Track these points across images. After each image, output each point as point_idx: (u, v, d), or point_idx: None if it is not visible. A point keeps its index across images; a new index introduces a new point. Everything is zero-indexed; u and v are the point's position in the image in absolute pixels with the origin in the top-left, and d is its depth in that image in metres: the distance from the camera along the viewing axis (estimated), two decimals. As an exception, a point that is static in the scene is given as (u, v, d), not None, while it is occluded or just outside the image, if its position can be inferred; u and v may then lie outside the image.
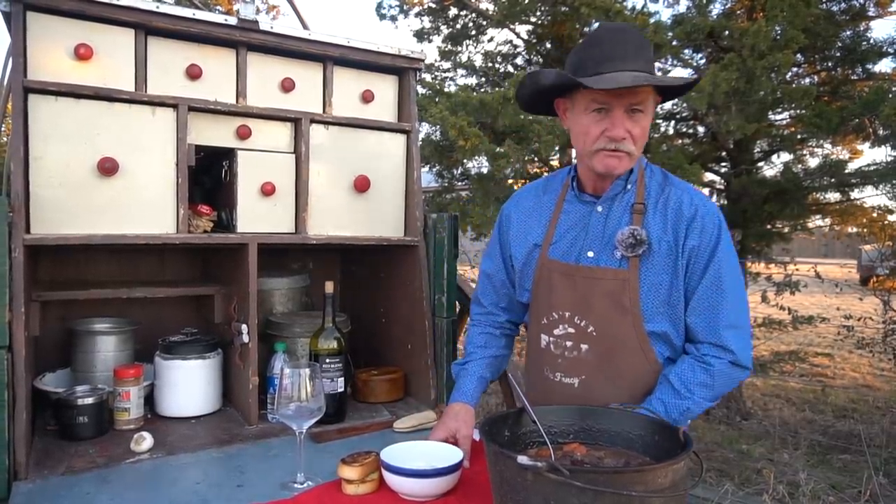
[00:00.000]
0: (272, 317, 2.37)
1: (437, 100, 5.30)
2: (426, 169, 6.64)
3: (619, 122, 1.55)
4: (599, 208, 1.70)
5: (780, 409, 6.23)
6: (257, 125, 2.11)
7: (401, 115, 2.40)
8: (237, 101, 2.09)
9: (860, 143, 6.45)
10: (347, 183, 2.25)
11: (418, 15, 7.59)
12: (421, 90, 5.67)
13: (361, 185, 2.25)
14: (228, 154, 2.11)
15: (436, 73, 7.10)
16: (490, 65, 7.04)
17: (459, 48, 7.18)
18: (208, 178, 2.29)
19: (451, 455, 1.57)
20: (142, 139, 1.90)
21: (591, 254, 1.68)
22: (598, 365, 1.65)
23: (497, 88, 6.07)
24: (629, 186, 1.67)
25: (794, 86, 4.74)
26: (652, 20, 5.16)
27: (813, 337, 9.36)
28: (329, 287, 2.05)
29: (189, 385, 2.08)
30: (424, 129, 6.38)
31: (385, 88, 2.37)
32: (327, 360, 2.02)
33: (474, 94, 5.27)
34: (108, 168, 1.83)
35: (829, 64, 5.87)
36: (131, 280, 2.46)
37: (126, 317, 2.31)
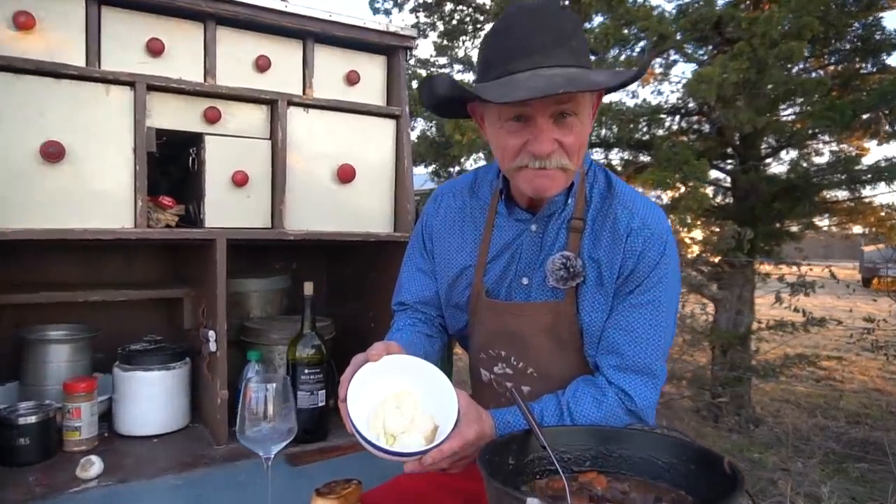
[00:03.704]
0: (248, 322, 2.14)
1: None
2: (421, 168, 6.42)
3: (543, 134, 1.22)
4: (533, 227, 1.42)
5: (790, 414, 6.00)
6: (228, 107, 1.88)
7: (389, 98, 2.17)
8: (205, 81, 1.86)
9: (867, 141, 6.26)
10: (330, 172, 2.02)
11: (413, 10, 7.35)
12: (416, 84, 5.45)
13: (345, 174, 2.02)
14: (195, 140, 1.88)
15: (431, 70, 6.86)
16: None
17: (456, 43, 6.95)
18: (175, 168, 2.06)
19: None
20: (93, 121, 1.67)
21: (525, 281, 1.42)
22: None
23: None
24: (569, 201, 1.39)
25: (804, 77, 4.52)
26: (655, 12, 4.95)
27: (819, 339, 9.15)
28: (308, 288, 1.82)
29: (151, 399, 1.85)
30: (419, 125, 6.16)
31: (372, 69, 2.14)
32: (306, 371, 1.79)
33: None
34: (52, 153, 1.59)
35: (838, 57, 5.66)
36: (94, 282, 2.23)
37: (88, 323, 2.07)
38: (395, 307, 1.68)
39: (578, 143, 1.26)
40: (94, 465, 1.54)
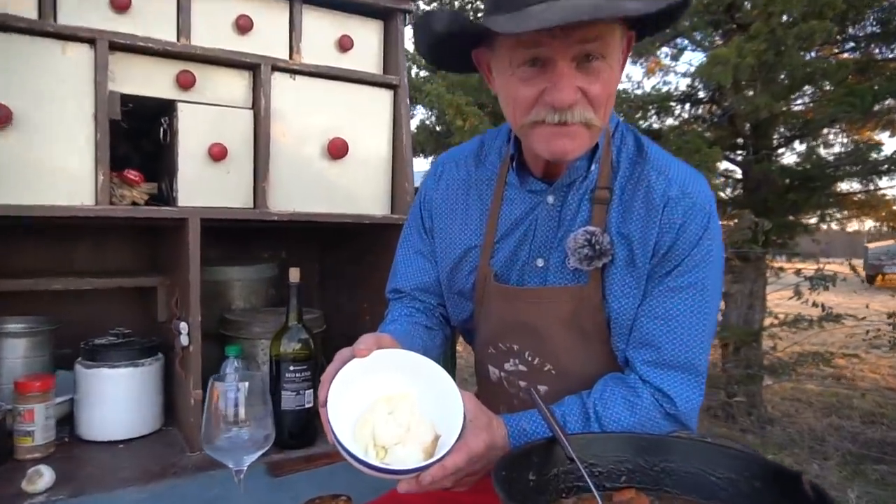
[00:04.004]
0: (229, 314, 1.92)
1: (431, 81, 4.87)
2: (420, 159, 6.21)
3: (564, 80, 0.99)
4: (550, 199, 1.20)
5: (803, 414, 5.80)
6: (204, 72, 1.67)
7: (386, 66, 1.95)
8: (178, 41, 1.65)
9: (880, 132, 6.07)
10: (319, 147, 1.81)
11: (413, -2, 7.15)
12: (415, 70, 5.24)
13: (337, 149, 1.81)
14: (167, 108, 1.67)
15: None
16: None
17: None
18: (148, 142, 1.85)
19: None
20: (47, 83, 1.47)
21: (540, 262, 1.20)
22: None
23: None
24: (592, 167, 1.17)
25: (825, 61, 4.31)
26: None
27: (825, 337, 8.96)
28: (294, 275, 1.61)
29: (117, 400, 1.64)
30: (418, 113, 5.95)
31: (367, 34, 1.93)
32: (292, 368, 1.59)
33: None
34: (-3, 117, 1.39)
35: (854, 44, 5.46)
36: (61, 270, 2.01)
37: (53, 316, 1.86)
38: (389, 295, 1.46)
39: (606, 93, 1.04)
40: (43, 477, 1.33)
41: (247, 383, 1.09)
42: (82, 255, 2.07)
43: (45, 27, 1.45)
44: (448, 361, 1.33)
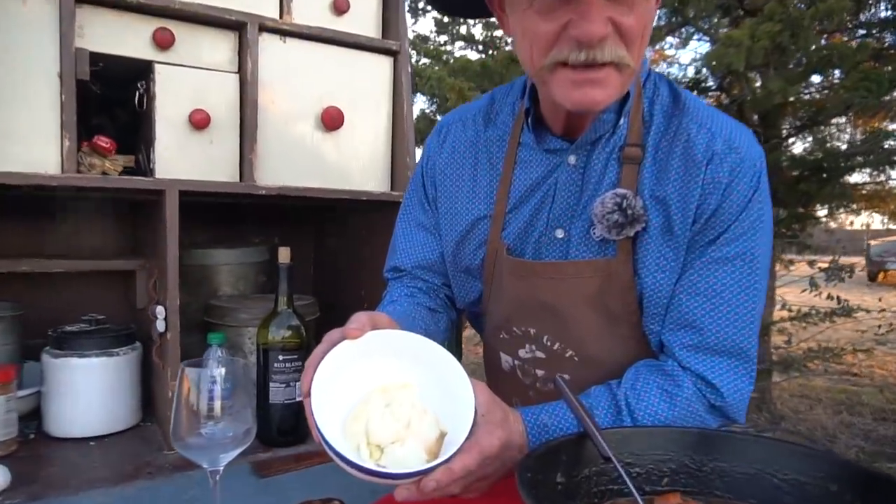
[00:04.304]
0: (214, 300, 1.77)
1: (434, 67, 4.71)
2: (421, 151, 6.04)
3: (593, 10, 0.83)
4: (572, 158, 1.04)
5: (813, 411, 5.65)
6: (184, 30, 1.52)
7: (386, 30, 1.80)
8: (154, -5, 1.49)
9: (889, 124, 5.93)
10: (313, 116, 1.66)
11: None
12: (415, 57, 5.09)
13: (332, 119, 1.65)
14: (144, 71, 1.51)
15: (432, 44, 6.48)
16: (491, 35, 6.41)
17: (457, 19, 6.57)
18: (124, 112, 1.70)
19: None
20: (5, 37, 1.31)
21: (560, 234, 1.04)
22: None
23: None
24: (621, 121, 1.02)
25: (842, 44, 4.15)
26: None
27: (830, 334, 8.82)
28: (284, 255, 1.45)
29: (89, 392, 1.48)
30: (418, 102, 5.79)
31: (365, -5, 1.78)
32: (280, 357, 1.43)
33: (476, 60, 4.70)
34: (-54, 73, 1.23)
35: (866, 31, 5.31)
36: (35, 253, 1.85)
37: (25, 303, 1.70)
38: (387, 275, 1.30)
39: (641, 25, 0.87)
40: (-4, 478, 1.18)
41: (223, 369, 0.93)
42: (59, 237, 1.91)
43: (3, -26, 1.30)
44: (453, 349, 1.17)
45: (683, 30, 5.82)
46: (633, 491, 0.75)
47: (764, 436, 0.82)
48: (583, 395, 0.99)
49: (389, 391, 0.84)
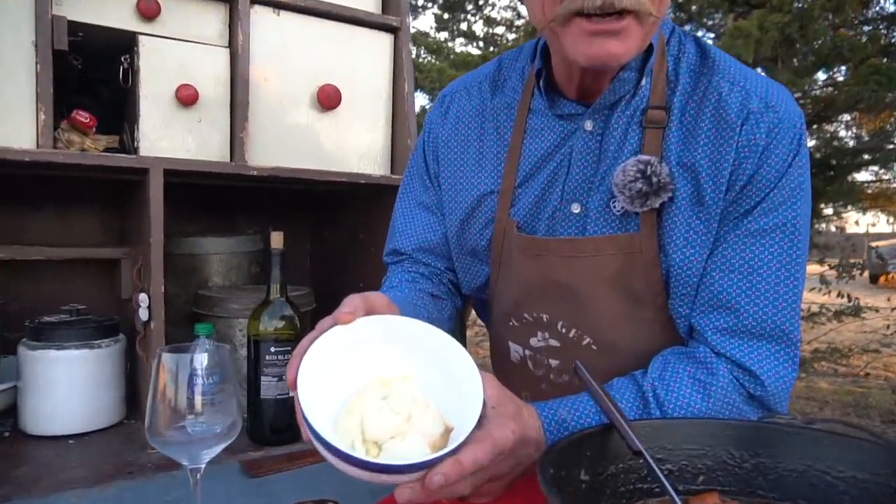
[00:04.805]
0: (204, 290, 1.67)
1: (435, 61, 4.63)
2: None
3: None
4: (588, 124, 0.95)
5: (821, 413, 5.56)
6: (170, 1, 1.42)
7: (385, 5, 1.71)
8: (139, -38, 1.40)
9: (892, 124, 5.87)
10: (308, 95, 1.57)
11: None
12: (415, 52, 5.01)
13: (328, 98, 1.56)
14: (128, 44, 1.42)
15: (432, 40, 6.41)
16: (491, 32, 6.34)
17: (457, 15, 6.50)
18: (108, 90, 1.60)
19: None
20: (-25, 2, 1.22)
21: (576, 208, 0.95)
22: None
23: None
24: (643, 82, 0.93)
25: (851, 37, 4.08)
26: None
27: (834, 335, 8.75)
28: (276, 240, 1.35)
29: (69, 387, 1.38)
30: (418, 99, 5.71)
31: (364, -32, 1.68)
32: (273, 349, 1.33)
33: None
34: None
35: (872, 27, 5.25)
36: (13, 240, 1.76)
37: (3, 293, 1.61)
38: (386, 259, 1.21)
39: None
40: (-39, 478, 1.08)
41: (205, 355, 0.84)
42: (41, 225, 1.81)
43: (-27, -65, 1.21)
44: (458, 339, 1.07)
45: (688, 26, 5.75)
46: (669, 489, 0.66)
47: (813, 427, 0.73)
48: (607, 385, 0.90)
49: (387, 383, 0.74)
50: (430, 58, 5.15)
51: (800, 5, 3.61)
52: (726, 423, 0.77)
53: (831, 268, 4.23)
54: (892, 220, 6.70)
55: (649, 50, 0.91)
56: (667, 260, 0.91)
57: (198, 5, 1.46)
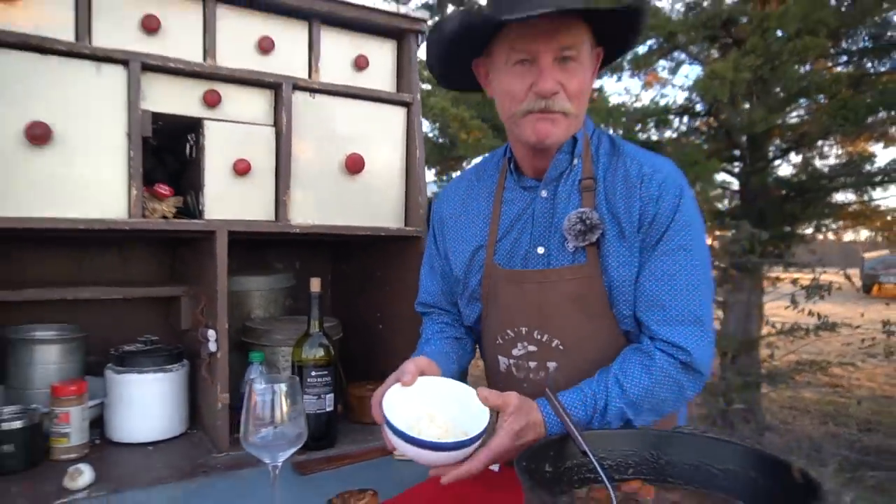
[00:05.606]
0: (249, 322, 2.01)
1: (436, 94, 4.96)
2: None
3: (547, 73, 1.24)
4: (543, 192, 1.38)
5: (801, 422, 5.88)
6: (229, 91, 1.76)
7: (400, 84, 2.05)
8: (204, 61, 1.74)
9: (873, 144, 6.16)
10: (337, 162, 1.90)
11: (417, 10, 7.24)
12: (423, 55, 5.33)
13: (354, 164, 1.89)
14: (194, 125, 1.75)
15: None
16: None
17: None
18: (172, 157, 1.94)
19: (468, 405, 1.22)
20: (83, 101, 1.55)
21: (541, 250, 1.37)
22: (571, 385, 1.30)
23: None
24: (575, 161, 1.36)
25: (818, 75, 4.41)
26: (664, 9, 4.87)
27: (822, 346, 9.03)
28: (315, 285, 1.69)
29: (146, 404, 1.71)
30: (423, 127, 6.04)
31: (382, 54, 2.03)
32: (313, 373, 1.67)
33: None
34: (38, 135, 1.47)
35: (847, 58, 5.56)
36: (88, 280, 2.10)
37: (79, 324, 1.94)
38: (417, 308, 1.67)
39: (580, 87, 1.27)
40: (83, 475, 1.41)
41: (283, 385, 1.18)
42: (104, 265, 2.15)
43: (81, 49, 1.54)
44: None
45: (675, 54, 6.07)
46: (605, 479, 0.99)
47: (706, 435, 1.07)
48: (585, 383, 1.28)
49: (433, 417, 1.20)
50: (430, 87, 5.44)
51: (770, 49, 3.94)
52: (646, 432, 1.11)
53: (802, 288, 4.54)
54: (873, 235, 6.96)
55: (575, 143, 1.35)
56: (608, 278, 1.31)
57: (249, 94, 1.79)
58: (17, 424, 1.49)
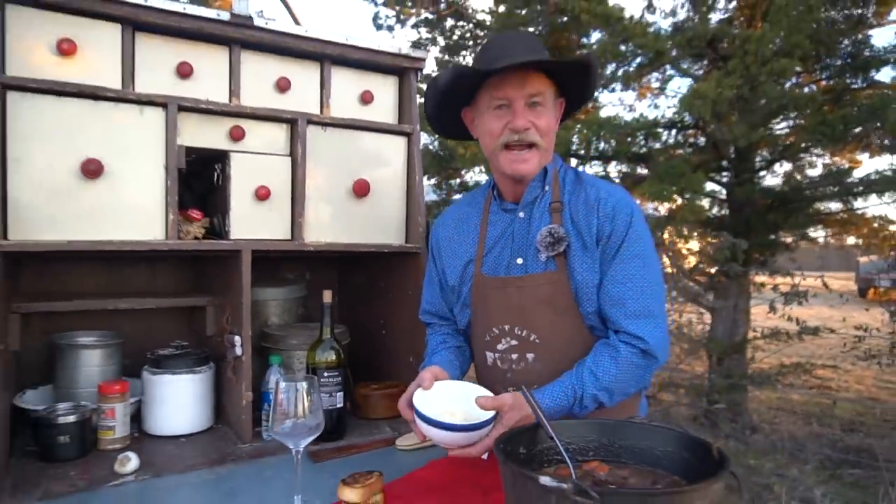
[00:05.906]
0: (267, 329, 2.25)
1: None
2: (424, 181, 6.53)
3: (520, 113, 1.57)
4: (521, 214, 1.69)
5: (786, 422, 6.10)
6: (251, 126, 2.01)
7: (401, 116, 2.30)
8: (230, 101, 1.98)
9: (860, 153, 6.37)
10: (346, 187, 2.14)
11: (415, 26, 7.51)
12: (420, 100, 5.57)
13: (361, 189, 2.14)
14: (221, 157, 2.00)
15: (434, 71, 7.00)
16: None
17: (456, 58, 7.09)
18: (199, 182, 2.18)
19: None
20: (128, 140, 1.80)
21: (520, 261, 1.67)
22: (546, 372, 1.62)
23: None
24: (546, 188, 1.68)
25: (796, 93, 4.65)
26: (651, 29, 5.10)
27: (814, 349, 9.26)
28: (327, 296, 1.93)
29: (178, 401, 1.96)
30: (422, 139, 6.28)
31: (385, 89, 2.27)
32: (325, 374, 1.91)
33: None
34: (92, 170, 1.71)
35: (829, 73, 5.79)
36: (120, 291, 2.34)
37: (115, 330, 2.19)
38: (421, 318, 1.95)
39: (547, 126, 1.60)
40: (130, 461, 1.65)
41: (304, 383, 1.42)
42: (136, 278, 2.40)
43: (128, 95, 1.79)
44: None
45: (665, 67, 6.31)
46: (567, 459, 1.23)
47: (652, 424, 1.31)
48: (566, 375, 1.56)
49: (452, 412, 1.51)
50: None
51: (750, 71, 4.18)
52: (604, 422, 1.35)
53: (782, 294, 4.77)
54: (860, 242, 7.17)
55: (546, 174, 1.66)
56: (574, 282, 1.60)
57: (269, 128, 2.04)
58: (71, 419, 1.74)
